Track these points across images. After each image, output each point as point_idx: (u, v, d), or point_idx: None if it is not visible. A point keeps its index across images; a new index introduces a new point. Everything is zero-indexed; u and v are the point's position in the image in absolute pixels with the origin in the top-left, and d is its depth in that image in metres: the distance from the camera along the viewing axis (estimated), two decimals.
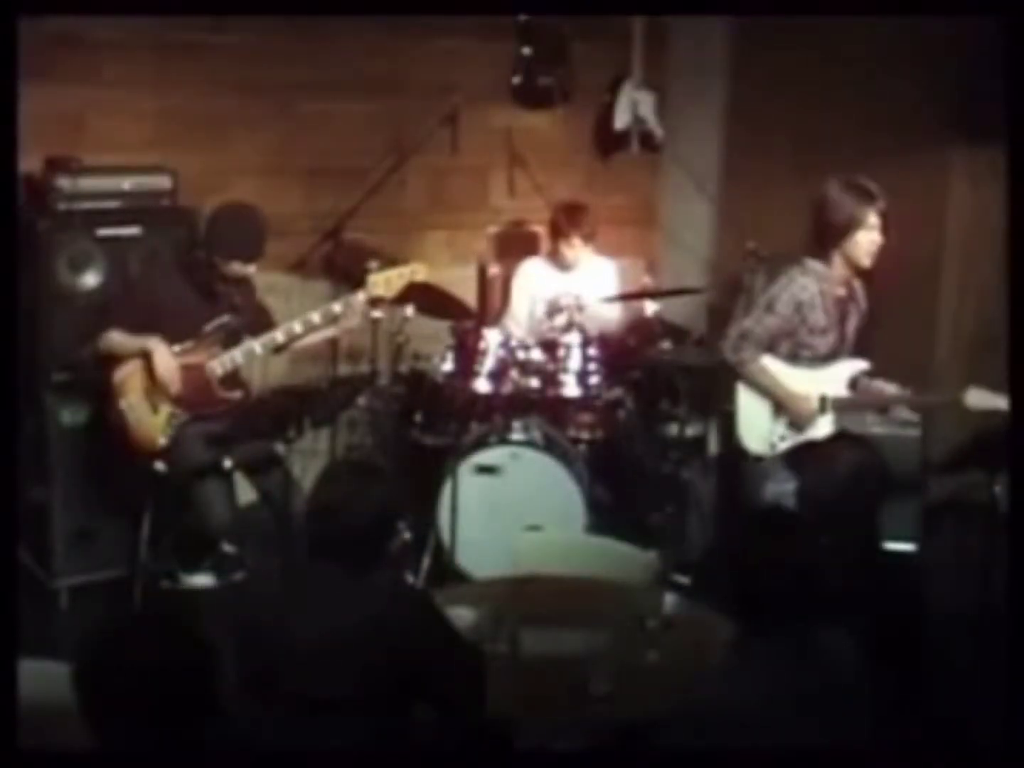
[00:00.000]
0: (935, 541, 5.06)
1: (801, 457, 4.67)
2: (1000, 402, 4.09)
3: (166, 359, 4.58)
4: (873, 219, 4.51)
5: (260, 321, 4.79)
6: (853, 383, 4.65)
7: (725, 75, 6.35)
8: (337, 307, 4.71)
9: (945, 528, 5.13)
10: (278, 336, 4.65)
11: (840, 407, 4.63)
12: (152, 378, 4.59)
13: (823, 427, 4.65)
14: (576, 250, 5.70)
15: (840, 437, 4.66)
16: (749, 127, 6.18)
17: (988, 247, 5.05)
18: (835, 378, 4.64)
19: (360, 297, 4.72)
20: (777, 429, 4.67)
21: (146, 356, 4.58)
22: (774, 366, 4.64)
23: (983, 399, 4.32)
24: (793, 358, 4.64)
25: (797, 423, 4.65)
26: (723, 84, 6.37)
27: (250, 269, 4.65)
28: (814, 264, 4.60)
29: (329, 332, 4.82)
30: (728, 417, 4.79)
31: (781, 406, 4.65)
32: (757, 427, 4.69)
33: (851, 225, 4.51)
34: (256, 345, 4.67)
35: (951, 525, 5.12)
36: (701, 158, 6.30)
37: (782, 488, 4.70)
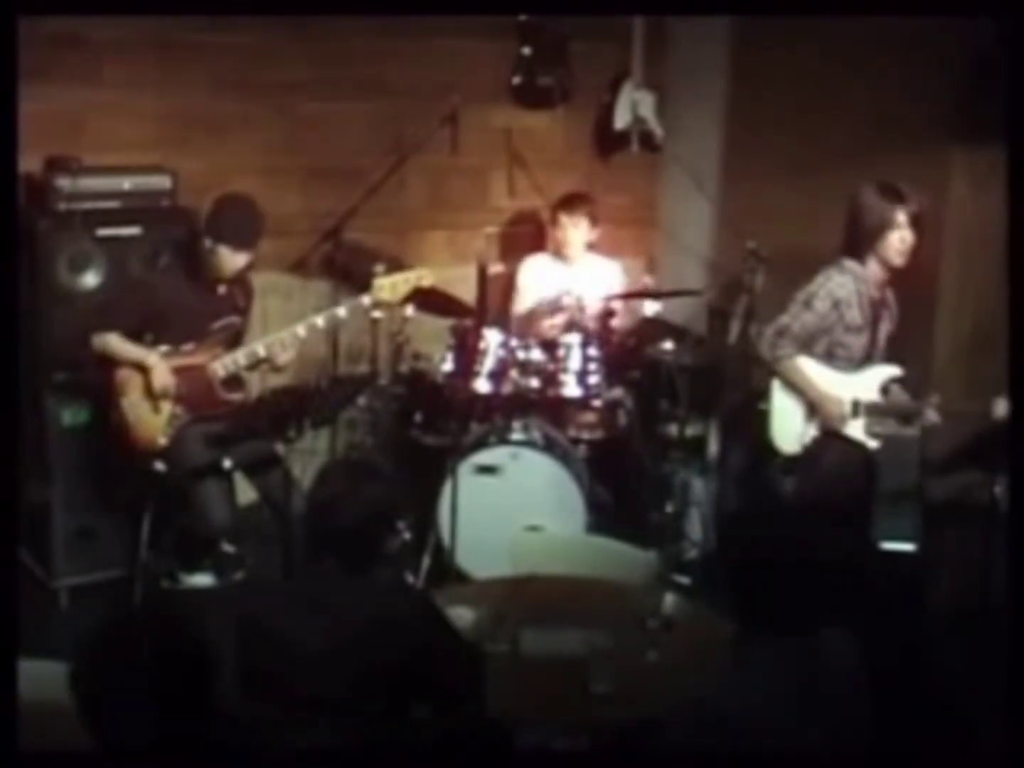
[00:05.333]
0: (935, 541, 5.05)
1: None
2: None
3: (164, 375, 4.57)
4: (902, 218, 4.58)
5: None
6: (884, 389, 4.69)
7: (725, 75, 6.34)
8: (342, 311, 4.72)
9: (945, 528, 5.12)
10: (280, 340, 4.65)
11: (872, 412, 4.65)
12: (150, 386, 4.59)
13: (853, 431, 4.67)
14: (579, 230, 5.68)
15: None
16: (749, 127, 6.17)
17: (988, 247, 5.04)
18: (868, 382, 4.67)
19: (365, 301, 4.73)
20: (809, 431, 4.69)
21: (143, 368, 4.58)
22: (809, 366, 4.66)
23: None
24: (828, 357, 4.66)
25: (828, 425, 4.66)
26: (723, 84, 6.36)
27: (239, 260, 4.62)
28: (851, 264, 4.65)
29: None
30: (762, 416, 4.79)
31: (814, 406, 4.67)
32: (790, 427, 4.71)
33: (882, 226, 4.58)
34: (259, 347, 4.67)
35: (951, 525, 5.11)
36: (701, 158, 6.29)
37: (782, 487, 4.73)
